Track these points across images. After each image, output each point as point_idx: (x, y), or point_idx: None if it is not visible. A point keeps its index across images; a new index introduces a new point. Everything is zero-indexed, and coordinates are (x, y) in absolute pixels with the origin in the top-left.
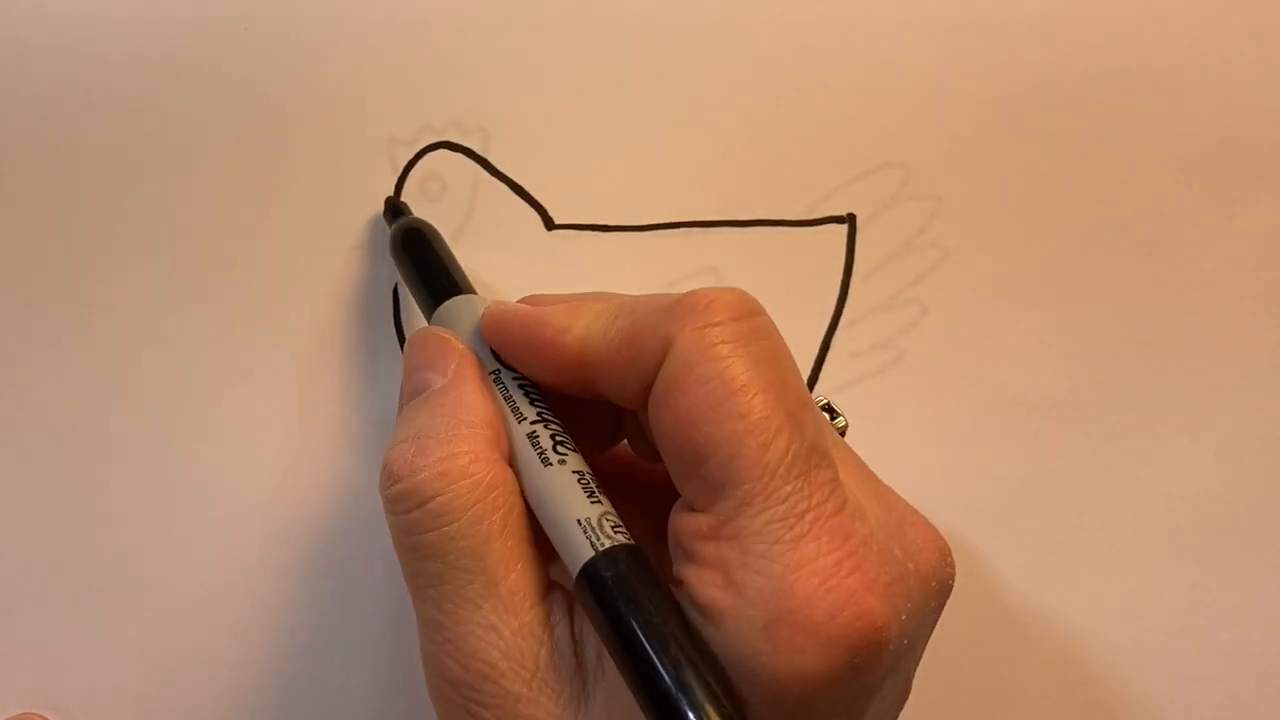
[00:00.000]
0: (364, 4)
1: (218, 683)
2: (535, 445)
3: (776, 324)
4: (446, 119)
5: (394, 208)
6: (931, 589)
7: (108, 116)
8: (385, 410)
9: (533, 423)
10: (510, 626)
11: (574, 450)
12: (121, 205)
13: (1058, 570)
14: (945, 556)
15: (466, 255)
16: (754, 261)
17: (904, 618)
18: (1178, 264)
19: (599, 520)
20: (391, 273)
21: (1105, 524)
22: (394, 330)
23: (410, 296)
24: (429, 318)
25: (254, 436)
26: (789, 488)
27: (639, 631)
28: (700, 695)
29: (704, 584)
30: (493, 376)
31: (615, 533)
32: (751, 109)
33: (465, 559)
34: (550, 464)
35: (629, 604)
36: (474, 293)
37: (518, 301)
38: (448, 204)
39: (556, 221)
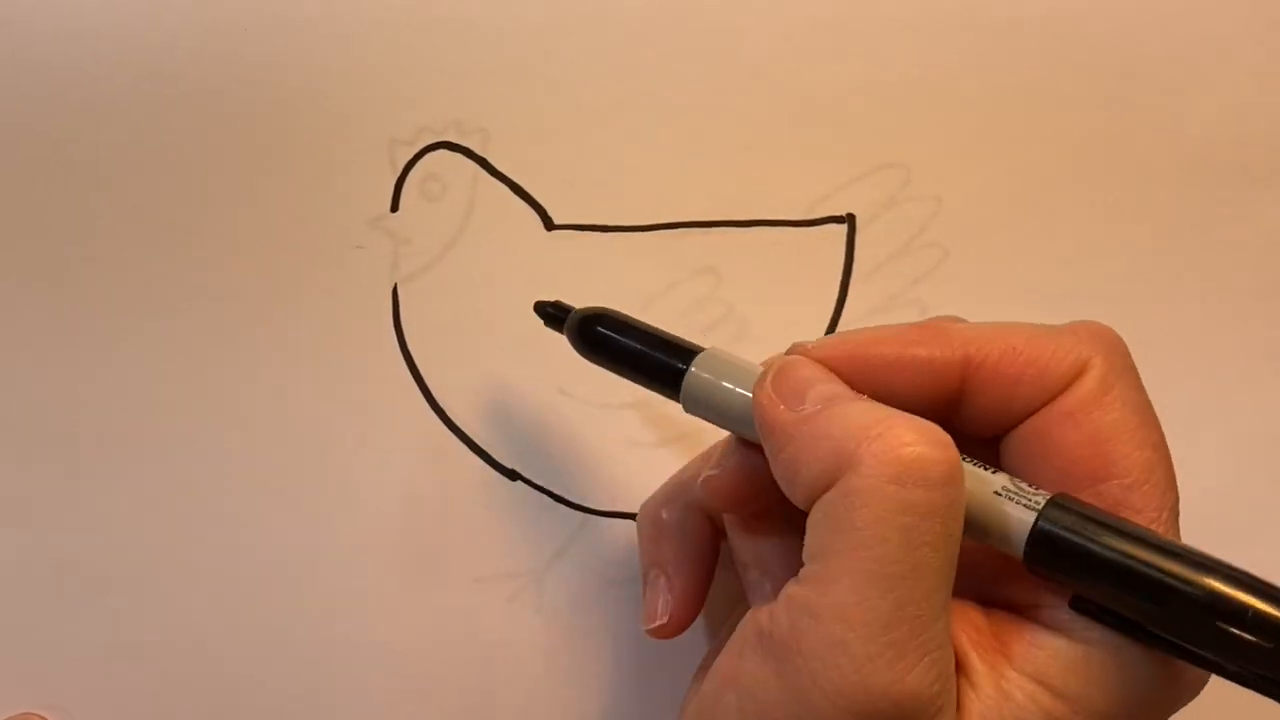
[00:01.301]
0: (364, 5)
1: (218, 683)
2: None
3: (776, 324)
4: (446, 119)
5: (548, 308)
6: None
7: (108, 117)
8: (385, 410)
9: None
10: (949, 645)
11: None
12: (122, 205)
13: None
14: None
15: (466, 255)
16: (754, 261)
17: None
18: (1178, 264)
19: (1014, 484)
20: (391, 272)
21: None
22: (394, 330)
23: (406, 304)
24: (672, 390)
25: (253, 436)
26: (1176, 528)
27: (1151, 540)
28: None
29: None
30: None
31: (1034, 490)
32: (751, 109)
33: (947, 563)
34: None
35: (1113, 532)
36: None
37: (791, 353)
38: (448, 204)
39: (556, 221)
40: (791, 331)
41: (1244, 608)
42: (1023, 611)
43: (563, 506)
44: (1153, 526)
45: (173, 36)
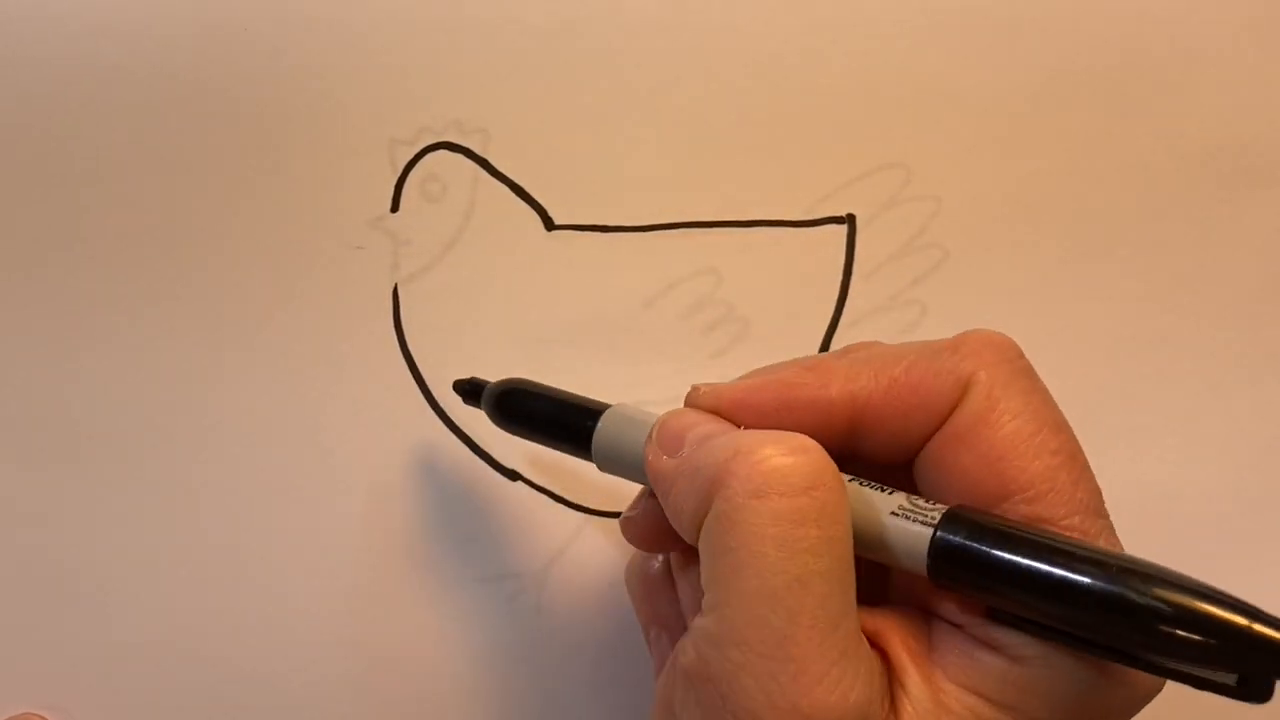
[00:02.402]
0: (364, 5)
1: (218, 683)
2: None
3: (777, 325)
4: (446, 120)
5: (465, 386)
6: None
7: (109, 118)
8: (384, 409)
9: None
10: (860, 653)
11: None
12: (123, 206)
13: None
14: None
15: (466, 256)
16: (754, 262)
17: None
18: (1178, 264)
19: (910, 502)
20: (391, 273)
21: None
22: (394, 330)
23: (403, 312)
24: (584, 450)
25: (254, 436)
26: (1099, 525)
27: (1048, 544)
28: (1149, 565)
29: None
30: None
31: (931, 505)
32: (751, 109)
33: (836, 567)
34: None
35: (1006, 538)
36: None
37: (691, 401)
38: (448, 205)
39: (556, 221)
40: (792, 331)
41: (1143, 596)
42: (958, 624)
43: (563, 506)
44: (1066, 533)
45: (172, 36)
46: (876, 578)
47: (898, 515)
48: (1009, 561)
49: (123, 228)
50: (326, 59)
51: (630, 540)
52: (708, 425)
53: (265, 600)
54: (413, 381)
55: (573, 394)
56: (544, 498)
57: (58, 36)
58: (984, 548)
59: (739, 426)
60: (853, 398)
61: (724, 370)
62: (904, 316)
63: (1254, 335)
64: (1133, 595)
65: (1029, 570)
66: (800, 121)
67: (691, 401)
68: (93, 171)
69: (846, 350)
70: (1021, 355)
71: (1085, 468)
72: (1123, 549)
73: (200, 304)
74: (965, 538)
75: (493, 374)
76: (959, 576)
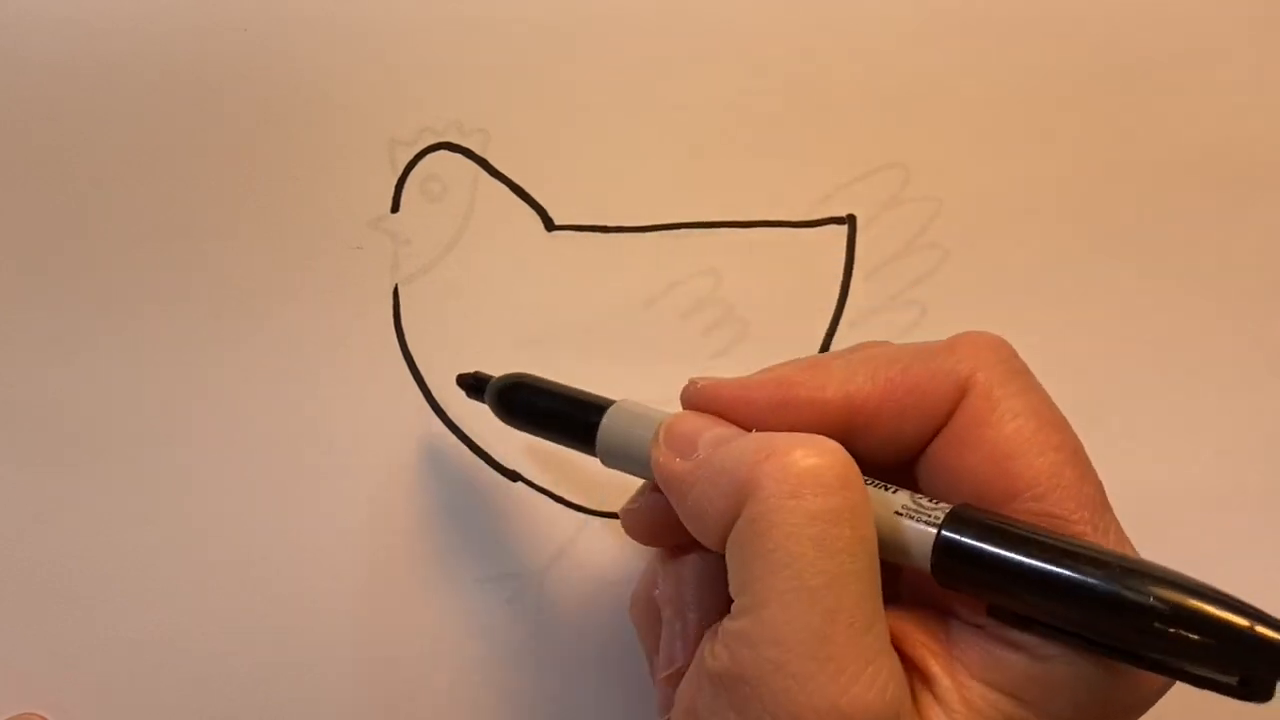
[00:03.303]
0: (364, 5)
1: (218, 683)
2: None
3: (777, 325)
4: (447, 120)
5: (469, 380)
6: None
7: (109, 118)
8: (384, 409)
9: None
10: (891, 652)
11: None
12: (122, 206)
13: None
14: None
15: (466, 256)
16: (754, 262)
17: None
18: (1178, 264)
19: (914, 501)
20: (392, 273)
21: None
22: (394, 330)
23: (401, 304)
24: (587, 445)
25: (254, 436)
26: (1107, 519)
27: (1052, 543)
28: (1156, 569)
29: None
30: None
31: (934, 504)
32: (751, 109)
33: (868, 567)
34: None
35: (1014, 537)
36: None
37: (688, 394)
38: (448, 205)
39: (556, 222)
40: (793, 332)
41: (1144, 596)
42: (979, 624)
43: (563, 506)
44: (1076, 528)
45: (172, 36)
46: (889, 578)
47: (902, 514)
48: (1012, 560)
49: (122, 228)
50: (326, 59)
51: (630, 533)
52: (720, 429)
53: (264, 600)
54: (413, 381)
55: (576, 389)
56: (544, 498)
57: (58, 36)
58: (987, 547)
59: (745, 429)
60: (849, 398)
61: (724, 371)
62: (904, 317)
63: (1254, 335)
64: (1131, 594)
65: (1031, 569)
66: (800, 122)
67: (689, 394)
68: (92, 171)
69: (848, 350)
70: (1016, 355)
71: (1088, 464)
72: (1131, 543)
73: (200, 304)
74: (969, 536)
75: (494, 372)
76: (963, 576)
